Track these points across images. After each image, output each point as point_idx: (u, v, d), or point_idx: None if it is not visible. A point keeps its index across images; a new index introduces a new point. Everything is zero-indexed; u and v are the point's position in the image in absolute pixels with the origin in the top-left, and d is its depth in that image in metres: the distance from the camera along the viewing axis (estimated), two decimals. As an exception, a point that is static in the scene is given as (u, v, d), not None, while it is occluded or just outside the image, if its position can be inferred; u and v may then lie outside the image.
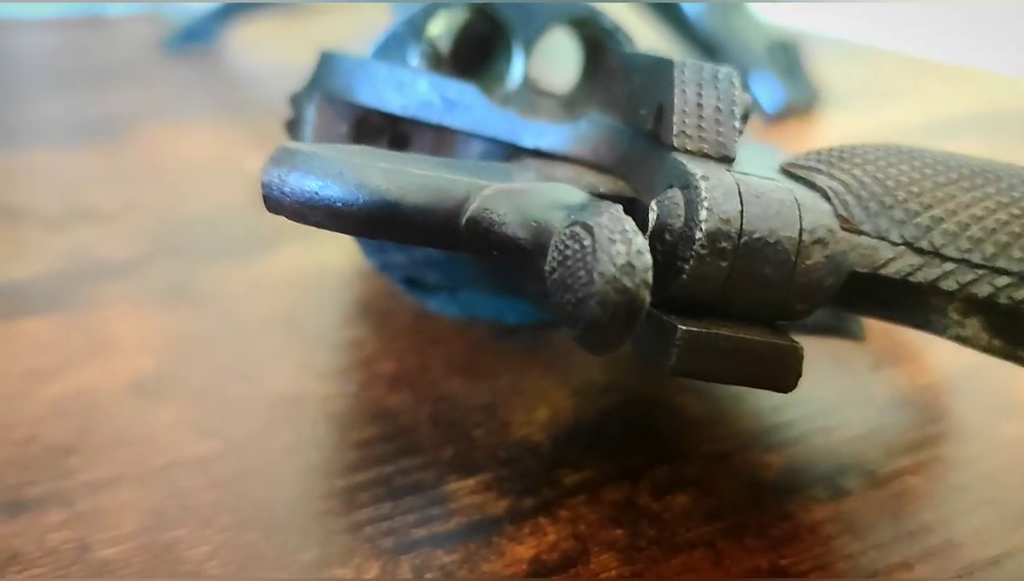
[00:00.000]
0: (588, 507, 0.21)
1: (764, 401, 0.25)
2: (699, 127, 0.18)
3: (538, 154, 0.23)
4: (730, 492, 0.22)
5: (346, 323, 0.29)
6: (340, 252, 0.33)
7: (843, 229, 0.17)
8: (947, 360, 0.27)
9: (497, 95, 0.24)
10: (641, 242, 0.15)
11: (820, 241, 0.17)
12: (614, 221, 0.15)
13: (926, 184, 0.18)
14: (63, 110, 0.49)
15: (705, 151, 0.18)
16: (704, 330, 0.16)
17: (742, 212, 0.16)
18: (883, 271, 0.17)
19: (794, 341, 0.17)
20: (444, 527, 0.20)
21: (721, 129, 0.18)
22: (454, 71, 0.25)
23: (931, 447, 0.23)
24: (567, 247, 0.15)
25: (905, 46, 0.57)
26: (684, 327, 0.16)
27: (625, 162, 0.21)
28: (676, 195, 0.17)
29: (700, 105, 0.18)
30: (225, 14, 0.61)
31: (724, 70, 0.19)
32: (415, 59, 0.24)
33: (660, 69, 0.19)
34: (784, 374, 0.17)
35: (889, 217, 0.17)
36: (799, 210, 0.17)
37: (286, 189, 0.17)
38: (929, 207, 0.17)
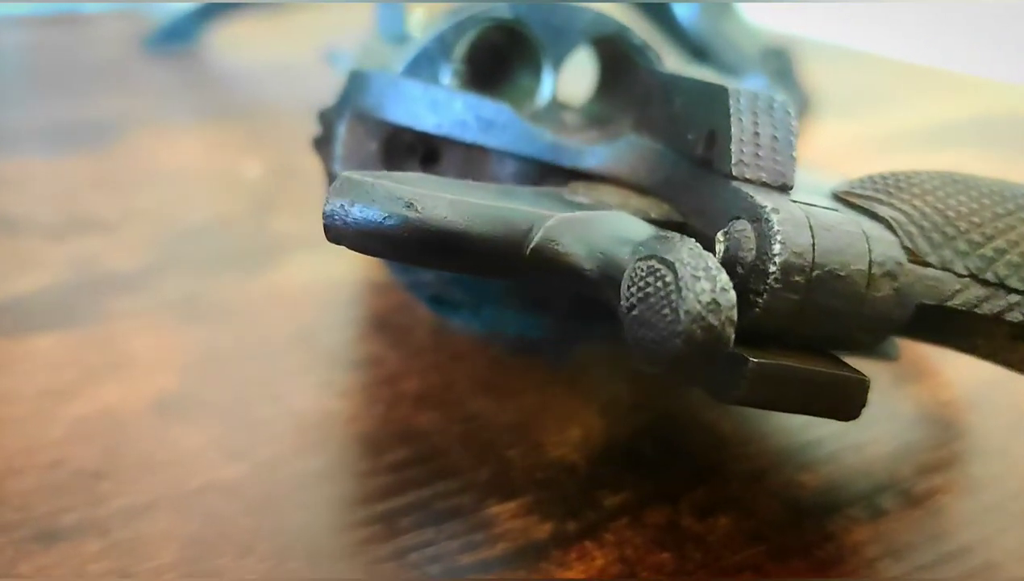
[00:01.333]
0: (632, 530, 0.21)
1: (792, 419, 0.25)
2: (756, 156, 0.18)
3: (576, 174, 0.23)
4: (770, 513, 0.22)
5: (363, 339, 0.29)
6: (349, 264, 0.33)
7: (910, 261, 0.17)
8: (966, 375, 0.27)
9: (525, 111, 0.24)
10: (725, 279, 0.15)
11: (889, 273, 0.17)
12: (696, 257, 0.15)
13: (985, 214, 0.18)
14: (47, 114, 0.48)
15: (764, 180, 0.18)
16: (774, 362, 0.16)
17: (814, 245, 0.16)
18: (950, 303, 0.17)
19: (860, 373, 0.17)
20: (491, 552, 0.20)
21: (779, 157, 0.18)
22: (467, 78, 0.25)
23: (961, 465, 0.24)
24: (647, 284, 0.15)
25: (900, 50, 0.58)
26: (755, 360, 0.16)
27: (669, 186, 0.21)
28: (746, 228, 0.17)
29: (757, 133, 0.18)
30: (206, 13, 0.60)
31: (779, 99, 0.19)
32: (447, 77, 0.24)
33: (711, 95, 0.19)
34: (850, 405, 0.17)
35: (953, 248, 0.17)
36: (868, 242, 0.17)
37: (350, 220, 0.17)
38: (991, 238, 0.18)
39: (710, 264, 0.15)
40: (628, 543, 0.21)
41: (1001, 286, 0.17)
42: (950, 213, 0.18)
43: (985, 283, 0.17)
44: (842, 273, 0.17)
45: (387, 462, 0.23)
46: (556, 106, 0.25)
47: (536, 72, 0.25)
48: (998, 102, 0.54)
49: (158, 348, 0.27)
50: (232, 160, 0.42)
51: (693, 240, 0.16)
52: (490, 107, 0.23)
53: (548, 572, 0.20)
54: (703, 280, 0.14)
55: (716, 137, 0.19)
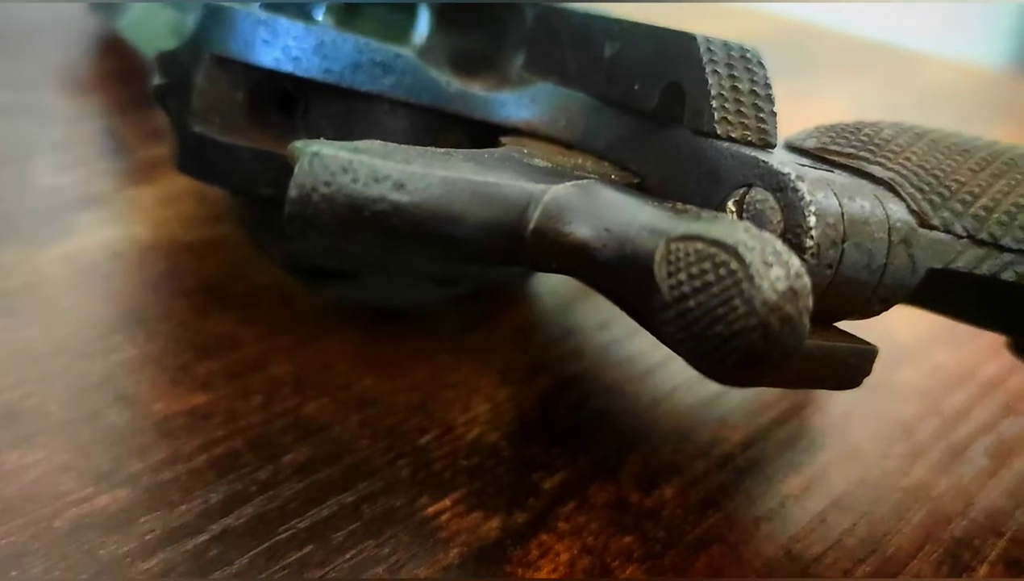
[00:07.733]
0: (583, 514, 0.20)
1: (688, 372, 0.24)
2: (739, 112, 0.17)
3: (488, 128, 0.20)
4: (711, 475, 0.21)
5: (202, 314, 0.25)
6: (147, 221, 0.28)
7: (918, 225, 0.17)
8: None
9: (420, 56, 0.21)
10: (799, 264, 0.13)
11: (905, 240, 0.16)
12: (759, 239, 0.13)
13: (964, 172, 0.17)
14: None
15: (749, 139, 0.17)
16: (808, 343, 0.15)
17: (843, 215, 0.15)
18: (954, 266, 0.17)
19: (869, 343, 0.16)
20: (447, 559, 0.18)
21: (762, 114, 0.17)
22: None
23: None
24: (703, 271, 0.13)
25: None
26: None
27: (618, 143, 0.19)
28: (768, 198, 0.15)
29: (736, 88, 0.17)
30: None
31: (750, 49, 0.17)
32: (320, 14, 0.21)
33: (669, 42, 0.18)
34: (859, 375, 0.16)
35: (950, 209, 0.17)
36: (884, 208, 0.16)
37: (325, 208, 0.14)
38: (977, 197, 0.17)
39: (778, 247, 0.13)
40: (584, 529, 0.19)
41: (995, 245, 0.17)
42: (937, 172, 0.17)
43: (981, 243, 0.17)
44: (869, 244, 0.16)
45: (290, 465, 0.20)
46: (434, 46, 0.23)
47: (406, 6, 0.23)
48: (751, 27, 0.56)
49: (-48, 349, 0.22)
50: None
51: (744, 220, 0.14)
52: (386, 50, 0.20)
53: (518, 575, 0.18)
54: (775, 266, 0.13)
55: (684, 90, 0.17)
